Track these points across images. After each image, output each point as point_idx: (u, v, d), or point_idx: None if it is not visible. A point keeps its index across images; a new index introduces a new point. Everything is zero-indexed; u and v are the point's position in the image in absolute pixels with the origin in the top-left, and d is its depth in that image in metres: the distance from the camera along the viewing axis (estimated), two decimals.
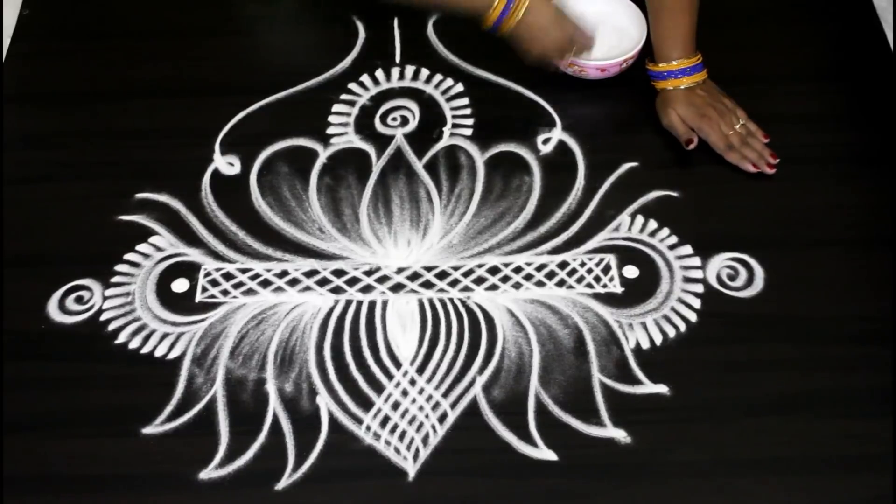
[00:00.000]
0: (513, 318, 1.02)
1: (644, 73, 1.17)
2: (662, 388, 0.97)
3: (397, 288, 1.04)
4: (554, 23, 1.10)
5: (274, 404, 0.97)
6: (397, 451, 0.94)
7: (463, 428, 0.95)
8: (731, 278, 1.05)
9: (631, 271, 1.05)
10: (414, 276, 1.05)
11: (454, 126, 1.17)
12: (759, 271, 1.05)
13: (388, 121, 1.18)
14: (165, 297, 1.04)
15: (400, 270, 1.06)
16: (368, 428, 0.95)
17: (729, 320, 1.02)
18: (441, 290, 1.04)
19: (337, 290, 1.04)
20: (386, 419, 0.96)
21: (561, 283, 1.04)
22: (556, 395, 0.97)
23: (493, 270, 1.05)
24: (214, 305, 1.04)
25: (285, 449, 0.94)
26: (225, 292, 1.04)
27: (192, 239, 1.08)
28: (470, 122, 1.18)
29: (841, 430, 0.94)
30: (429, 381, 0.98)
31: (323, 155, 1.15)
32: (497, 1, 1.08)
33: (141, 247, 1.08)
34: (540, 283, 1.04)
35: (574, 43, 1.13)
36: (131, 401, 0.97)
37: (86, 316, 1.03)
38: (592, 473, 0.92)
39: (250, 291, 1.04)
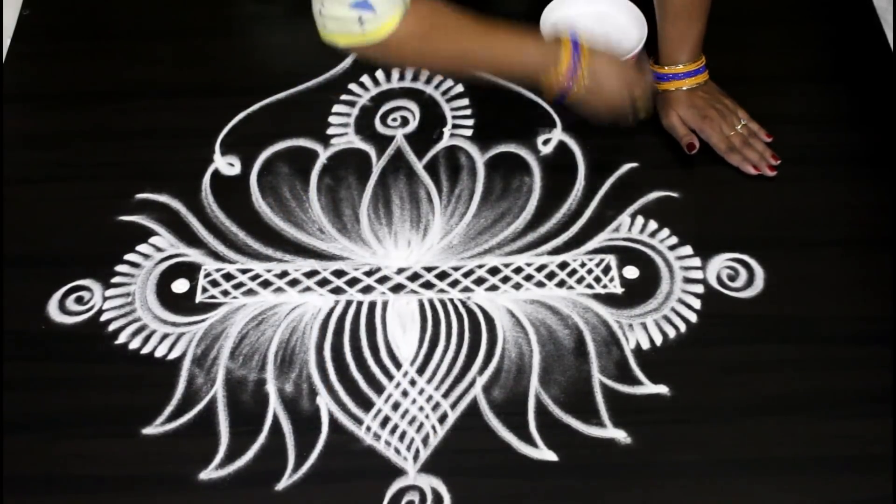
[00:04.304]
0: (513, 318, 1.02)
1: None
2: (662, 389, 0.97)
3: (397, 288, 1.04)
4: (612, 76, 1.03)
5: (274, 405, 0.97)
6: (397, 451, 0.94)
7: (463, 428, 0.95)
8: (732, 279, 1.05)
9: (631, 272, 1.05)
10: (414, 277, 1.05)
11: (454, 126, 1.17)
12: (759, 272, 1.05)
13: (389, 121, 1.18)
14: (166, 297, 1.04)
15: (400, 271, 1.06)
16: (368, 428, 0.95)
17: (729, 321, 1.02)
18: (441, 290, 1.04)
19: (337, 291, 1.04)
20: (386, 420, 0.96)
21: (561, 284, 1.04)
22: (556, 395, 0.97)
23: (494, 271, 1.05)
24: (215, 306, 1.04)
25: (285, 449, 0.94)
26: (225, 293, 1.04)
27: (192, 239, 1.08)
28: (470, 122, 1.18)
29: (841, 430, 0.94)
30: (429, 381, 0.98)
31: (323, 155, 1.15)
32: (556, 74, 1.01)
33: (141, 247, 1.08)
34: (540, 284, 1.04)
35: (632, 93, 1.05)
36: (131, 401, 0.97)
37: (86, 316, 1.03)
38: (592, 473, 0.92)
39: (250, 292, 1.04)
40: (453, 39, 1.01)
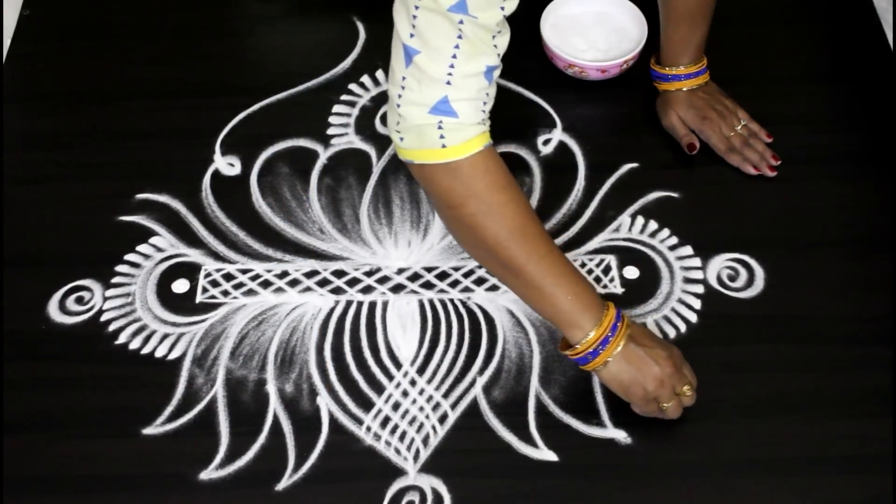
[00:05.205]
0: (513, 318, 1.02)
1: (644, 74, 1.17)
2: None
3: (398, 288, 1.04)
4: (644, 371, 0.89)
5: (274, 405, 0.97)
6: (398, 451, 0.94)
7: (463, 428, 0.95)
8: (732, 279, 1.05)
9: (631, 272, 1.05)
10: (414, 277, 1.05)
11: None
12: (759, 272, 1.05)
13: None
14: (166, 297, 1.04)
15: (400, 271, 1.06)
16: (369, 428, 0.95)
17: (729, 321, 1.02)
18: (441, 290, 1.04)
19: (337, 291, 1.04)
20: (386, 420, 0.96)
21: None
22: (556, 395, 0.97)
23: None
24: (215, 306, 1.04)
25: (286, 449, 0.94)
26: (225, 293, 1.04)
27: (192, 239, 1.08)
28: None
29: (841, 430, 0.94)
30: (429, 381, 0.98)
31: (323, 155, 1.15)
32: (582, 344, 0.89)
33: (141, 247, 1.08)
34: None
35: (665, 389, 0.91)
36: (132, 401, 0.97)
37: (86, 316, 1.03)
38: (592, 473, 0.92)
39: (251, 292, 1.04)
40: (518, 218, 0.88)
